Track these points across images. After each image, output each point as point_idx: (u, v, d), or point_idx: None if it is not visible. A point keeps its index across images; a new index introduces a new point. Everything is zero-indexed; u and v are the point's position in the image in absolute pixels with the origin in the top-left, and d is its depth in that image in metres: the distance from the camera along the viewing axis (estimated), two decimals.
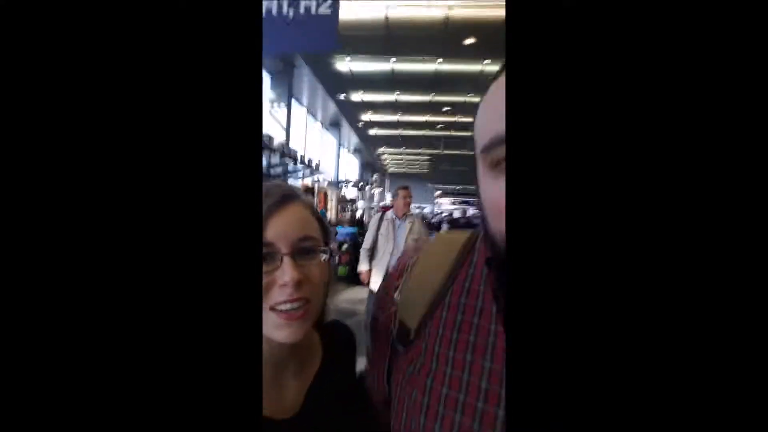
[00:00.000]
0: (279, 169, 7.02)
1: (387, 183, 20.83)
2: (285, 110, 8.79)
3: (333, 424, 0.49)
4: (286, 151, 6.54)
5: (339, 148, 15.10)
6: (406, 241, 2.65)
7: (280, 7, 2.56)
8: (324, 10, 2.51)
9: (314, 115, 12.17)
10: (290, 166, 7.17)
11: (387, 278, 0.56)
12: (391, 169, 24.55)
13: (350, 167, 17.75)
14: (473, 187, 0.43)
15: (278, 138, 7.24)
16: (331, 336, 0.56)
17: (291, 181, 8.76)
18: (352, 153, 18.01)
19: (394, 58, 7.88)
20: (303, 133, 10.78)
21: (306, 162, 7.81)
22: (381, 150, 18.43)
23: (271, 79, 8.34)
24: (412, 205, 3.05)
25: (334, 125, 13.93)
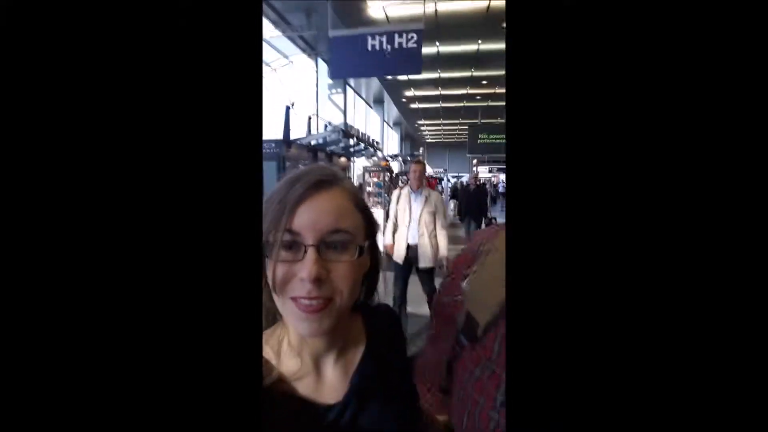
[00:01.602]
0: (349, 150, 8.10)
1: (425, 154, 21.74)
2: (342, 95, 9.98)
3: (378, 410, 0.46)
4: (355, 134, 7.66)
5: (383, 124, 16.18)
6: (421, 214, 2.73)
7: (381, 42, 3.95)
8: (412, 44, 3.89)
9: (359, 94, 13.28)
10: (360, 146, 8.13)
11: (455, 263, 0.52)
12: (429, 140, 25.38)
13: (391, 140, 18.84)
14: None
15: (337, 120, 8.30)
16: (377, 322, 0.53)
17: (362, 161, 9.61)
18: (392, 126, 19.05)
19: (438, 42, 8.81)
20: (353, 113, 11.95)
21: (370, 142, 8.77)
22: (420, 122, 19.34)
23: (328, 67, 9.42)
24: (450, 174, 3.52)
25: (377, 102, 14.99)
